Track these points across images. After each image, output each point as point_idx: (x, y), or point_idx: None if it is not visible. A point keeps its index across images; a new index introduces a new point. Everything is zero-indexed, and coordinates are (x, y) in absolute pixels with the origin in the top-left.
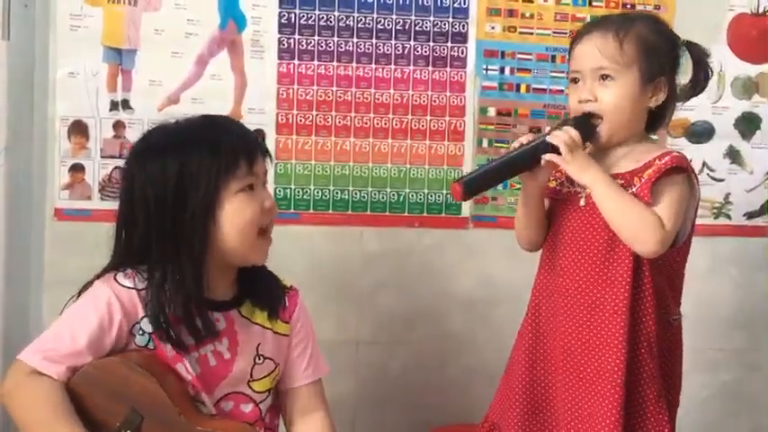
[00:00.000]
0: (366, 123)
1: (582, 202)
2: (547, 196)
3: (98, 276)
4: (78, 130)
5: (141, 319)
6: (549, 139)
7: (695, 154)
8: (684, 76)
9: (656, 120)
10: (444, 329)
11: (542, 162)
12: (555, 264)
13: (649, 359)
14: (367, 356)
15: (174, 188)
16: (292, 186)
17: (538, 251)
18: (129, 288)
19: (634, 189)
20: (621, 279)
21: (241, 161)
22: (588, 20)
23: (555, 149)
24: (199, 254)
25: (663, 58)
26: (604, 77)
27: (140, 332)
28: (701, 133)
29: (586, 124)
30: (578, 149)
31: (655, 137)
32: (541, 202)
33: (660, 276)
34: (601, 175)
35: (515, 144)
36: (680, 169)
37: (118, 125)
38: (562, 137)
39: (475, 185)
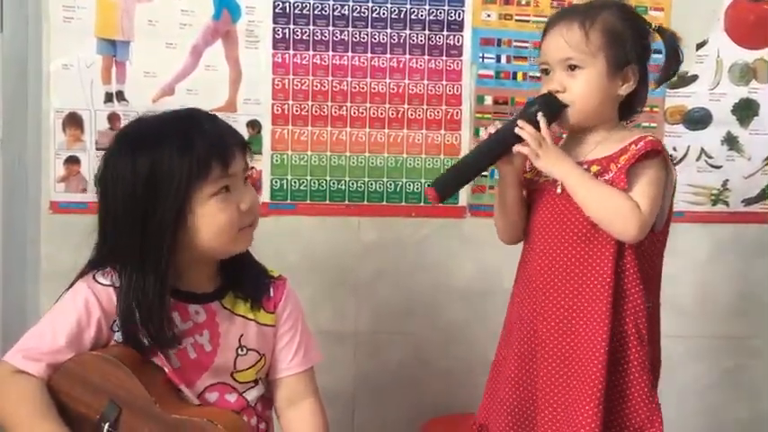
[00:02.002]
0: (362, 113)
1: (559, 190)
2: (523, 188)
3: (80, 274)
4: (73, 122)
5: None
6: (516, 131)
7: (693, 141)
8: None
9: (628, 106)
10: (442, 319)
11: (514, 151)
12: (536, 253)
13: (639, 346)
14: (365, 346)
15: (144, 188)
16: (289, 177)
17: (519, 243)
18: (106, 286)
19: (610, 175)
20: (603, 264)
21: (213, 164)
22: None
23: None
24: (164, 258)
25: (630, 46)
26: (572, 68)
27: (117, 328)
28: (698, 120)
29: (553, 103)
30: (546, 143)
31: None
32: (519, 190)
33: (642, 262)
34: (571, 166)
35: (484, 135)
36: (655, 152)
37: (113, 117)
38: (529, 131)
39: (448, 186)
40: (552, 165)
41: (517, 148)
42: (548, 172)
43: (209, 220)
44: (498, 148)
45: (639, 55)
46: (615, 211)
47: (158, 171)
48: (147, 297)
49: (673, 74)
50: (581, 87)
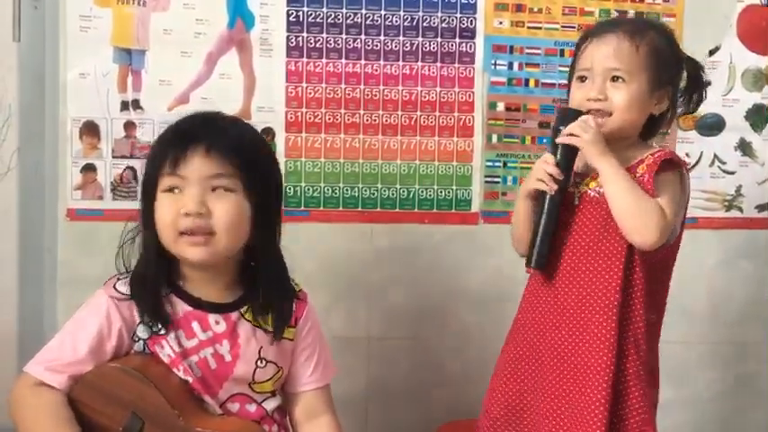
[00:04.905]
0: (375, 120)
1: (576, 201)
2: None
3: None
4: (89, 130)
5: (137, 325)
6: (567, 134)
7: (706, 147)
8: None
9: (651, 128)
10: (455, 325)
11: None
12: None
13: (636, 358)
14: (378, 352)
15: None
16: (302, 184)
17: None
18: (125, 294)
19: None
20: (612, 277)
21: (166, 162)
22: (599, 18)
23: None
24: (150, 240)
25: (670, 69)
26: (615, 79)
27: (136, 338)
28: (711, 126)
29: (571, 117)
30: (593, 130)
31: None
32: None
33: (651, 275)
34: (613, 160)
35: (539, 174)
36: (674, 164)
37: (129, 125)
38: (573, 128)
39: (544, 256)
40: (600, 154)
41: (560, 139)
42: (593, 161)
43: (157, 214)
44: (564, 182)
45: (675, 78)
46: (643, 210)
47: (149, 157)
48: (143, 275)
49: (696, 106)
50: (622, 99)
